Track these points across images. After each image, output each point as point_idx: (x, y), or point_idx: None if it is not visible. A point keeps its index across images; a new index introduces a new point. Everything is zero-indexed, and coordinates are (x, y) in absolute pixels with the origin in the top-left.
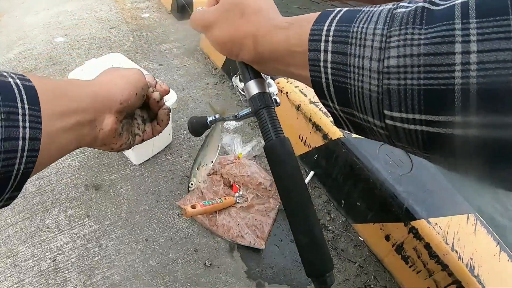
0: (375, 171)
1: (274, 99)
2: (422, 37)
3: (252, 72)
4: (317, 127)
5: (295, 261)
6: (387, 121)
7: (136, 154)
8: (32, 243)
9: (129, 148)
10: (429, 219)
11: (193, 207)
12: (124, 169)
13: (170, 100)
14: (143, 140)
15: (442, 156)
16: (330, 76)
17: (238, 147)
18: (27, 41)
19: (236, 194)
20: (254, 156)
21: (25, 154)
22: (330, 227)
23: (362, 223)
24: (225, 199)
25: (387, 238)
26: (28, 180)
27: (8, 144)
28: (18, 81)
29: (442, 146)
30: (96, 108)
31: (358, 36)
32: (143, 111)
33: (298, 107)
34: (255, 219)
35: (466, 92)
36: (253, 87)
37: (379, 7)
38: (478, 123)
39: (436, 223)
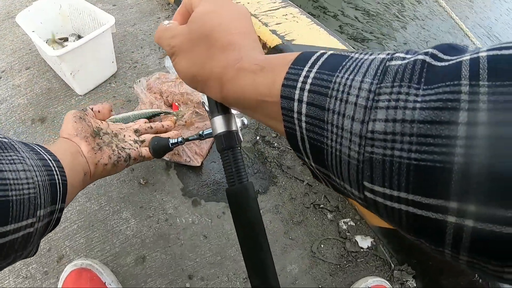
0: None
1: (242, 120)
2: (419, 99)
3: (220, 107)
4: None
5: None
6: (367, 194)
7: (79, 85)
8: None
9: (126, 160)
10: None
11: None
12: (69, 100)
13: (107, 23)
14: (137, 154)
15: (430, 242)
16: (304, 131)
17: None
18: None
19: (175, 112)
20: None
21: (57, 169)
22: (275, 144)
23: None
24: (163, 118)
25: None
26: None
27: (42, 162)
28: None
29: (431, 232)
30: (72, 146)
31: (341, 89)
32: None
33: None
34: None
35: (467, 175)
36: (219, 125)
37: (370, 55)
38: (480, 214)
39: None
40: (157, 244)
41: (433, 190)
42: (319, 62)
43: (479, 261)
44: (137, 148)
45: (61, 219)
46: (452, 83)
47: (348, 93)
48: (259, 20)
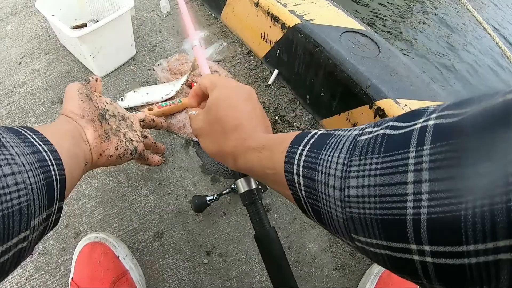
0: (334, 52)
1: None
2: (379, 166)
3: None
4: (275, 19)
5: None
6: (357, 243)
7: (98, 66)
8: None
9: (133, 154)
10: (397, 99)
11: (150, 109)
12: None
13: (126, 6)
14: (142, 150)
15: (411, 277)
16: (305, 198)
17: None
18: None
19: None
20: (218, 62)
21: (53, 162)
22: (294, 123)
23: (328, 117)
24: (183, 98)
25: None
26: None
27: (36, 156)
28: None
29: (408, 269)
30: (75, 129)
31: (324, 164)
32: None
33: (257, 4)
34: None
35: (417, 224)
36: (241, 186)
37: (349, 131)
38: (433, 252)
39: (405, 104)
40: (176, 220)
41: (397, 236)
42: (310, 142)
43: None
44: (142, 142)
45: (80, 196)
46: (402, 151)
47: (329, 167)
48: (278, 1)
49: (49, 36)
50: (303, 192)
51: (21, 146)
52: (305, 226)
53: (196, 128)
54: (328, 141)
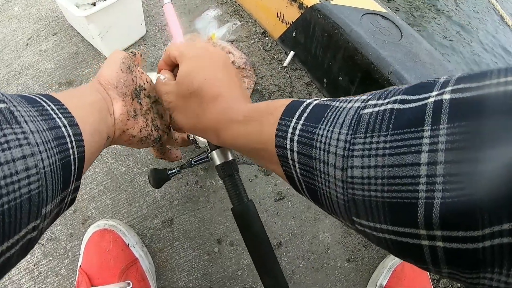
0: (355, 35)
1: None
2: (388, 145)
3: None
4: None
5: None
6: (357, 226)
7: (107, 46)
8: None
9: (155, 142)
10: None
11: None
12: (97, 63)
13: None
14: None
15: (416, 262)
16: (300, 175)
17: (212, 28)
18: None
19: None
20: (231, 42)
21: (72, 138)
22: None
23: None
24: None
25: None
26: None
27: (54, 132)
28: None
29: (414, 254)
30: (103, 101)
31: (323, 140)
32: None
33: None
34: None
35: (430, 209)
36: (217, 158)
37: (349, 102)
38: (445, 237)
39: None
40: (186, 207)
41: (405, 221)
42: (305, 114)
43: (458, 272)
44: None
45: (88, 180)
46: (416, 129)
47: (329, 144)
48: None
49: (56, 16)
50: (298, 170)
51: (37, 121)
52: (319, 215)
53: (168, 101)
54: (325, 114)
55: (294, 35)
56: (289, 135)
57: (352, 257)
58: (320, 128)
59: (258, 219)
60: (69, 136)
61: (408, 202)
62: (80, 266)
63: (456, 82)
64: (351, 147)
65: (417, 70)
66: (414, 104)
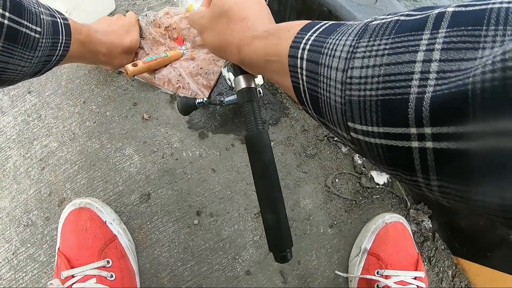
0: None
1: (258, 90)
2: (388, 46)
3: (241, 69)
4: None
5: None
6: (352, 134)
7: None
8: None
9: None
10: None
11: (134, 65)
12: None
13: None
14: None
15: (405, 172)
16: (305, 83)
17: (189, 0)
18: None
19: (183, 47)
20: None
21: (62, 21)
22: None
23: None
24: (169, 52)
25: None
26: None
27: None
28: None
29: (403, 160)
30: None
31: (331, 47)
32: None
33: None
34: (201, 68)
35: (420, 101)
36: (241, 82)
37: (361, 20)
38: (435, 135)
39: None
40: (163, 180)
41: (396, 120)
42: (320, 29)
43: (448, 185)
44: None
45: (61, 161)
46: (416, 32)
47: (335, 50)
48: None
49: None
50: (304, 77)
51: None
52: (299, 182)
53: (200, 23)
54: (338, 28)
55: (267, 3)
56: (301, 45)
57: (334, 222)
58: (330, 38)
59: (270, 149)
60: (60, 18)
61: (400, 98)
62: (59, 248)
63: (460, 4)
64: (354, 50)
65: None
66: (418, 16)
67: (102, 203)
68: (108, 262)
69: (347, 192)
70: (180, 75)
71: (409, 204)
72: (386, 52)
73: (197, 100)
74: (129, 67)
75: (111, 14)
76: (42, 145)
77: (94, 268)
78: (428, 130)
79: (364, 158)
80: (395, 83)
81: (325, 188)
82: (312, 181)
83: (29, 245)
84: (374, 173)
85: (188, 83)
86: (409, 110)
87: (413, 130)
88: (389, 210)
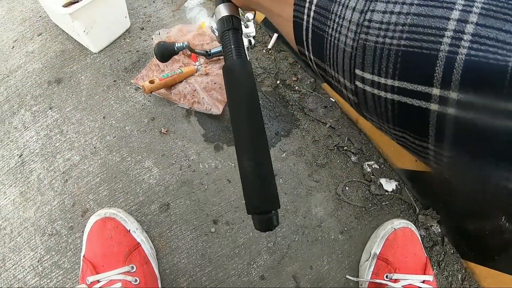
0: None
1: (249, 40)
2: None
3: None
4: None
5: None
6: (357, 83)
7: (93, 42)
8: (1, 146)
9: None
10: None
11: (151, 81)
12: (84, 59)
13: None
14: None
15: (415, 134)
16: (311, 20)
17: (202, 17)
18: None
19: (197, 63)
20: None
21: None
22: (296, 87)
23: None
24: (184, 68)
25: None
26: None
27: None
28: None
29: (415, 122)
30: None
31: None
32: None
33: None
34: (214, 83)
35: (451, 62)
36: (222, 11)
37: None
38: (462, 102)
39: None
40: (181, 191)
41: (418, 76)
42: None
43: (462, 160)
44: None
45: (84, 174)
46: None
47: None
48: None
49: (40, 16)
50: (312, 13)
51: None
52: (311, 190)
53: None
54: None
55: None
56: None
57: (345, 229)
58: None
59: (253, 81)
60: None
61: (428, 53)
62: (84, 255)
63: None
64: None
65: None
66: None
67: (126, 213)
68: (132, 267)
69: (357, 199)
70: (195, 90)
71: (417, 210)
72: (416, 2)
73: (176, 44)
74: (147, 84)
75: (126, 31)
76: (64, 159)
77: (120, 273)
78: (454, 95)
79: (372, 167)
80: (422, 36)
81: (335, 196)
82: (323, 189)
83: (53, 253)
84: (383, 181)
85: (202, 97)
86: (436, 68)
87: (435, 91)
88: (398, 216)
